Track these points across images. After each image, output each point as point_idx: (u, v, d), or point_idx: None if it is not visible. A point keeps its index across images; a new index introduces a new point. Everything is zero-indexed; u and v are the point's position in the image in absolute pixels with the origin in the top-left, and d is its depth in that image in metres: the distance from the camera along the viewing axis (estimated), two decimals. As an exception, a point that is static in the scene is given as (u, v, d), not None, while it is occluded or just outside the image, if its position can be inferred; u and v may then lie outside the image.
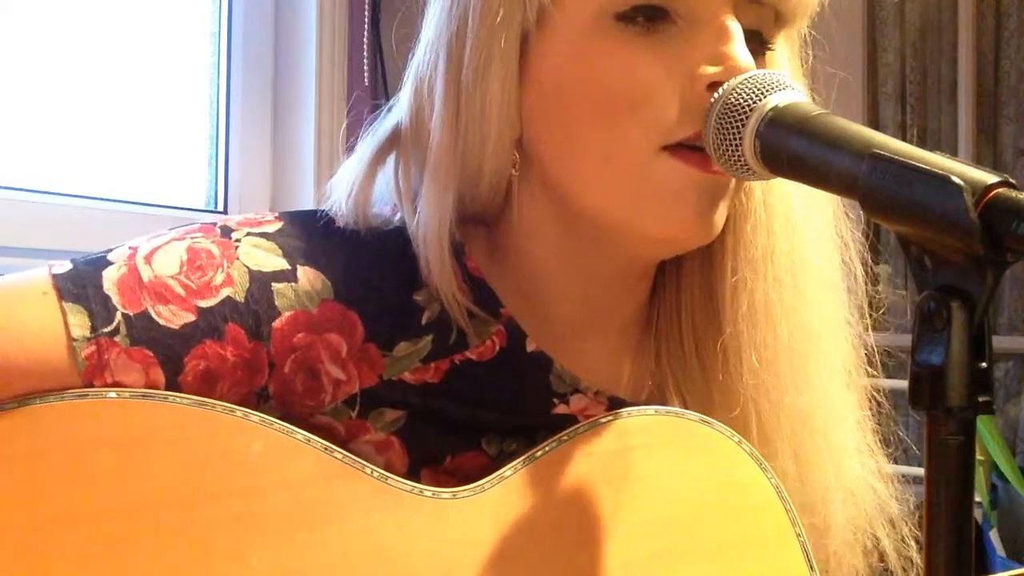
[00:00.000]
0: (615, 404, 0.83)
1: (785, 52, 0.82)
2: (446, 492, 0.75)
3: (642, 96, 0.74)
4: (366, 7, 2.15)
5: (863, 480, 0.87)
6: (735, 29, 0.74)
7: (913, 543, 0.90)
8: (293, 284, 0.75)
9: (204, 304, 0.73)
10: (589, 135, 0.76)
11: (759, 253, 0.82)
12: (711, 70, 0.73)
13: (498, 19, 0.76)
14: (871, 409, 0.90)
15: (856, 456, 0.87)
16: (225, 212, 2.05)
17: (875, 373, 0.90)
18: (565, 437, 0.78)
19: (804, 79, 0.84)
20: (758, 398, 0.83)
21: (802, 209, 0.83)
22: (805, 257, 0.83)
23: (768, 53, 0.79)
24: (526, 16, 0.76)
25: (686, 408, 0.83)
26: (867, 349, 0.89)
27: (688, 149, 0.74)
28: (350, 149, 0.85)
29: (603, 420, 0.79)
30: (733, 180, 0.77)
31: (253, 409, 0.72)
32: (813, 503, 0.84)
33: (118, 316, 0.71)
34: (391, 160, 0.82)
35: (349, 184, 0.81)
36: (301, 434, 0.72)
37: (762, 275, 0.82)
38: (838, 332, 0.86)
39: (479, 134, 0.78)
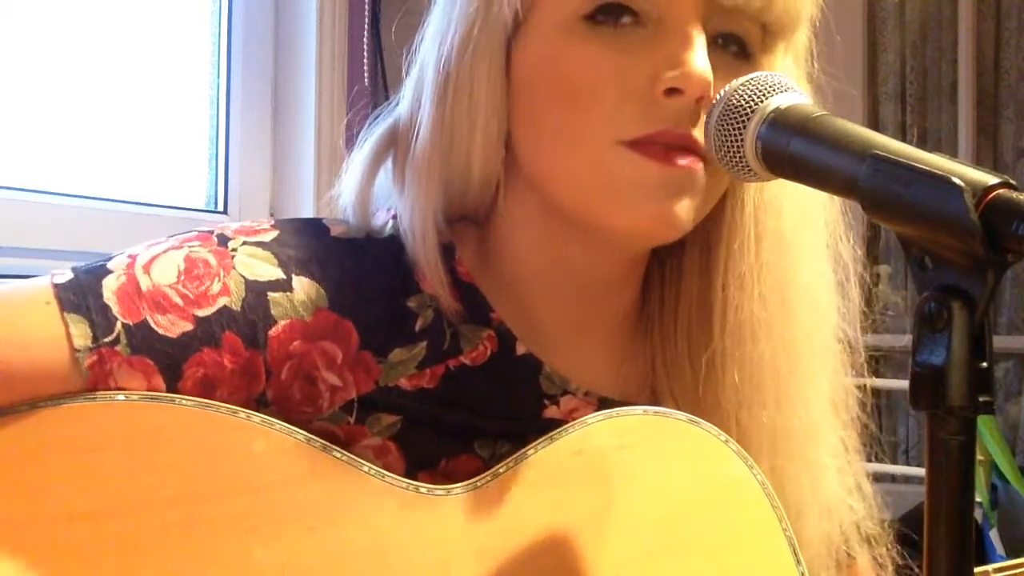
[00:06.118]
0: (604, 405, 0.83)
1: (788, 62, 0.82)
2: (440, 489, 0.76)
3: (600, 93, 0.75)
4: (366, 7, 2.15)
5: (840, 498, 0.88)
6: (697, 38, 0.75)
7: (890, 563, 0.91)
8: (288, 294, 0.75)
9: (201, 313, 0.73)
10: (552, 127, 0.77)
11: (747, 269, 0.82)
12: (670, 74, 0.74)
13: (479, 15, 0.78)
14: (869, 411, 0.91)
15: (835, 474, 0.87)
16: (225, 212, 2.05)
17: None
18: (556, 436, 0.79)
19: (809, 89, 0.84)
20: (739, 412, 0.83)
21: (794, 226, 0.83)
22: (794, 275, 0.83)
23: (760, 60, 0.80)
24: (503, 14, 0.77)
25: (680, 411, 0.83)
26: (867, 350, 0.89)
27: (648, 144, 0.75)
28: (349, 147, 0.86)
29: (593, 420, 0.79)
30: (701, 176, 0.77)
31: None
32: (789, 516, 0.84)
33: (118, 326, 0.72)
34: (392, 160, 0.83)
35: (353, 183, 0.83)
36: (301, 434, 0.73)
37: (748, 291, 0.82)
38: (825, 351, 0.86)
39: (467, 125, 0.79)
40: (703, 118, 0.75)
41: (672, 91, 0.74)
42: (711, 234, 0.84)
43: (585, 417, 0.80)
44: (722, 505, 0.82)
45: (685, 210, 0.77)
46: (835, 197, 0.83)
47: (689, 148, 0.76)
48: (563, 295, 0.84)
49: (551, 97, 0.77)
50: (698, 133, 0.75)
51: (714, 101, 0.73)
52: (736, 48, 0.78)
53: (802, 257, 0.84)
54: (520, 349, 0.82)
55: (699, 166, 0.76)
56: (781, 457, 0.84)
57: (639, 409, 0.81)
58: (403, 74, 0.85)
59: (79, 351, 0.70)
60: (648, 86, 0.75)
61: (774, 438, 0.84)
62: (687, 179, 0.76)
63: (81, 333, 0.71)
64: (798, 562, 0.83)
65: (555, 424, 0.81)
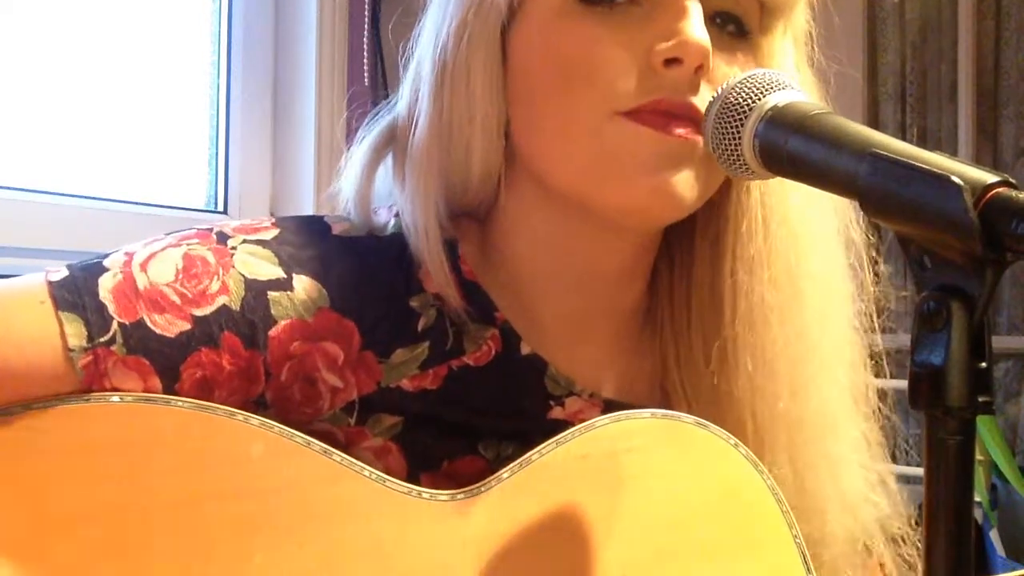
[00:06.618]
0: (609, 406, 0.82)
1: (788, 43, 0.82)
2: (443, 494, 0.75)
3: (597, 67, 0.75)
4: (366, 7, 2.15)
5: (862, 493, 0.87)
6: (693, 8, 0.75)
7: (919, 561, 0.89)
8: (289, 293, 0.75)
9: (199, 313, 0.72)
10: (548, 107, 0.77)
11: (755, 253, 0.81)
12: (667, 44, 0.74)
13: (473, 5, 0.78)
14: (891, 407, 0.90)
15: (857, 469, 0.86)
16: (225, 212, 2.05)
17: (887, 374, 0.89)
18: (562, 440, 0.78)
19: (811, 75, 0.84)
20: (754, 403, 0.82)
21: (801, 210, 0.82)
22: (804, 259, 0.82)
23: (759, 40, 0.79)
24: (497, 2, 0.77)
25: (692, 411, 0.83)
26: (873, 350, 0.88)
27: (647, 112, 0.74)
28: (349, 147, 0.85)
29: (600, 423, 0.79)
30: (701, 148, 0.75)
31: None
32: (810, 512, 0.83)
33: (114, 325, 0.71)
34: (392, 157, 0.83)
35: (353, 180, 0.82)
36: (301, 437, 0.72)
37: (758, 277, 0.81)
38: (840, 339, 0.85)
39: (465, 116, 0.78)
40: (703, 88, 0.75)
41: (670, 61, 0.74)
42: (719, 221, 0.83)
43: (592, 420, 0.79)
44: (730, 509, 0.81)
45: (684, 183, 0.75)
46: None
47: (689, 117, 0.75)
48: (566, 293, 0.83)
49: (548, 79, 0.76)
50: (698, 102, 0.74)
51: (712, 97, 0.72)
52: (734, 27, 0.78)
53: (812, 241, 0.83)
54: (524, 349, 0.81)
55: (698, 137, 0.75)
56: (800, 449, 0.83)
57: (646, 412, 0.80)
58: (401, 73, 0.85)
59: (73, 351, 0.70)
60: (645, 58, 0.74)
61: (790, 428, 0.83)
62: (685, 150, 0.75)
63: (76, 332, 0.70)
64: (808, 570, 0.82)
65: (560, 425, 0.80)
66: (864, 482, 0.87)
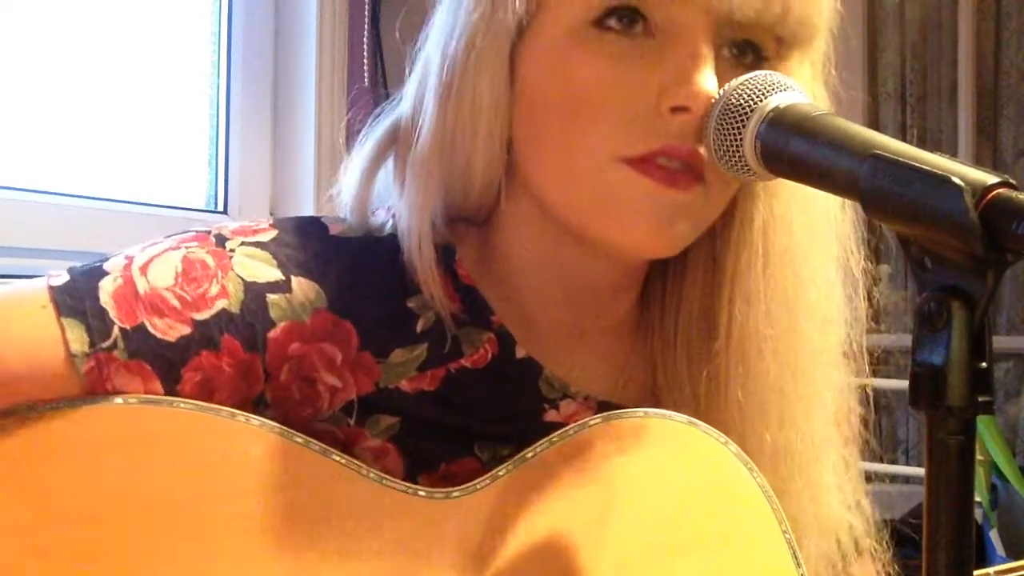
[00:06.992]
0: (603, 408, 0.83)
1: (805, 71, 0.81)
2: (440, 492, 0.76)
3: (604, 108, 0.74)
4: (366, 7, 2.15)
5: (840, 517, 0.87)
6: (706, 55, 0.74)
7: None
8: (287, 295, 0.75)
9: (199, 317, 0.73)
10: (551, 137, 0.77)
11: (753, 284, 0.81)
12: (679, 92, 0.73)
13: (483, 22, 0.77)
14: (873, 425, 0.90)
15: (836, 493, 0.87)
16: (225, 212, 2.05)
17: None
18: (556, 438, 0.78)
19: (826, 95, 0.83)
20: (743, 431, 0.83)
21: (804, 243, 0.82)
22: (803, 292, 0.82)
23: (776, 68, 0.78)
24: (507, 21, 0.76)
25: None
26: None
27: (650, 163, 0.74)
28: (349, 147, 0.85)
29: (592, 422, 0.79)
30: (701, 199, 0.76)
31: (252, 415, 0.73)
32: None
33: (115, 330, 0.71)
34: (393, 159, 0.83)
35: (353, 182, 0.82)
36: (300, 437, 0.73)
37: (755, 307, 0.81)
38: (831, 370, 0.85)
39: (469, 130, 0.78)
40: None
41: (679, 109, 0.73)
42: (717, 245, 0.83)
43: (585, 419, 0.79)
44: (721, 507, 0.82)
45: (683, 231, 0.76)
46: (846, 208, 0.83)
47: (692, 166, 0.75)
48: (561, 299, 0.83)
49: (554, 108, 0.76)
50: (703, 149, 0.74)
51: (713, 100, 0.73)
52: (752, 58, 0.77)
53: (811, 274, 0.83)
54: (520, 352, 0.81)
55: (700, 189, 0.75)
56: (783, 477, 0.84)
57: (639, 411, 0.81)
58: (406, 72, 0.84)
59: (76, 356, 0.70)
60: (655, 101, 0.74)
61: (776, 458, 0.83)
62: (685, 202, 0.75)
63: (77, 338, 0.70)
64: (798, 564, 0.83)
65: (555, 427, 0.80)
66: (841, 505, 0.88)
